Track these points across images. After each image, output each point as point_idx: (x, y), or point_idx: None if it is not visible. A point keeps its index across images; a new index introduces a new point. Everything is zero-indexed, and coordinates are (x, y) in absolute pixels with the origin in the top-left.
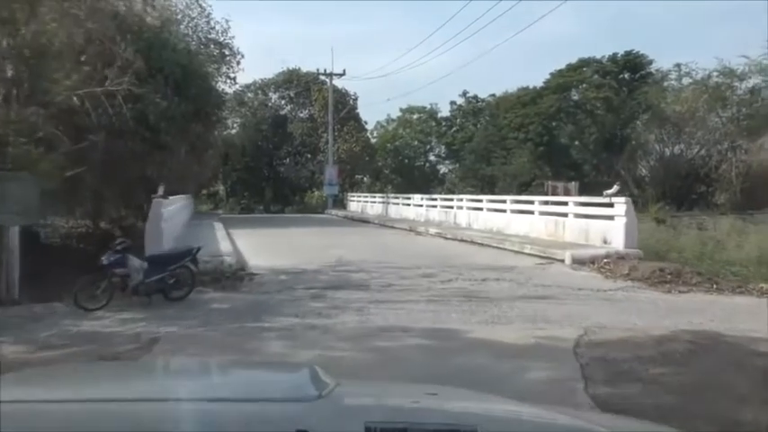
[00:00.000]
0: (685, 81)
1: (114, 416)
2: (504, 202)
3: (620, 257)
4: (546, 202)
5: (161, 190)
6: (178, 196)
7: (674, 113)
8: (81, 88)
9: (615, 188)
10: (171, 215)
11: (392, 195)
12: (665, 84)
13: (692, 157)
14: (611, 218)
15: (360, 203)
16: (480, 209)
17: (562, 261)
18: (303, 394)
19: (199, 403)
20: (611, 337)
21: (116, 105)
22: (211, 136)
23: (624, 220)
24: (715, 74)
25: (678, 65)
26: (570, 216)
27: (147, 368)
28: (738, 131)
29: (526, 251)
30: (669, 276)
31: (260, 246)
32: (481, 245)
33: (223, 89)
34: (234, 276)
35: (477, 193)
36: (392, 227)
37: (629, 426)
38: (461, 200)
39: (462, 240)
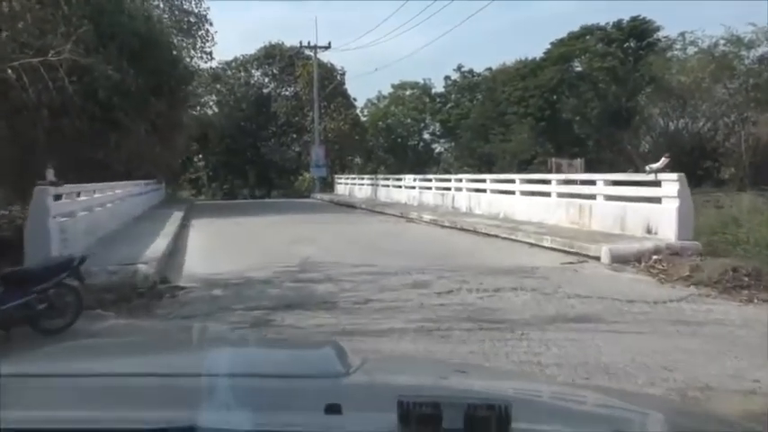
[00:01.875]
0: (690, 51)
1: (146, 389)
2: (512, 182)
3: (674, 253)
4: (567, 182)
5: (50, 174)
6: (120, 183)
7: (679, 85)
8: (16, 59)
9: (663, 161)
10: (88, 207)
11: (381, 177)
12: (669, 54)
13: (697, 130)
14: (656, 200)
15: (347, 186)
16: (483, 190)
17: (597, 259)
18: (332, 370)
19: (226, 378)
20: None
21: (59, 79)
22: (179, 114)
23: (677, 203)
24: (722, 42)
25: (683, 33)
26: (599, 198)
27: (178, 343)
28: (746, 103)
29: (545, 244)
30: (746, 279)
31: (216, 242)
32: (487, 235)
33: (198, 65)
34: (151, 293)
35: (475, 173)
36: (381, 212)
37: (665, 405)
38: (460, 180)
39: (463, 229)
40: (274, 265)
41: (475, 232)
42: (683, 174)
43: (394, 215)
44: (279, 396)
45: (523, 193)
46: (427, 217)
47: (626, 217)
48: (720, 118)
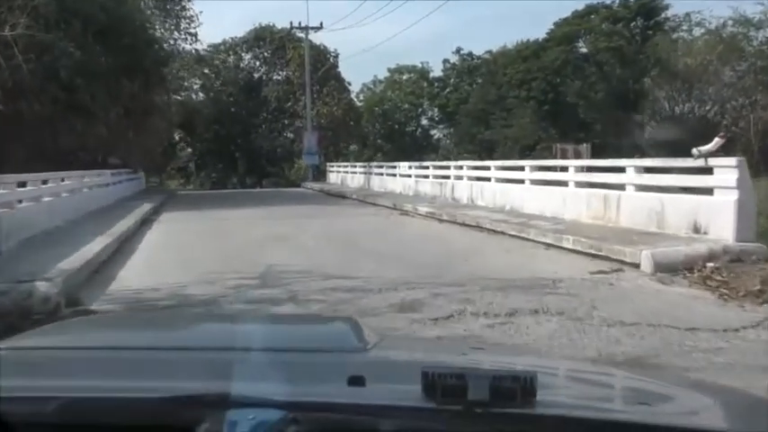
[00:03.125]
0: (697, 32)
1: (175, 362)
2: (521, 169)
3: (735, 259)
4: (589, 169)
5: None
6: (80, 172)
7: (685, 67)
8: None
9: (716, 142)
10: (7, 204)
11: (375, 164)
12: (675, 36)
13: (704, 114)
14: (706, 191)
15: (340, 174)
16: (487, 179)
17: (634, 266)
18: (354, 345)
19: (251, 352)
20: None
21: (14, 56)
22: (155, 97)
23: (735, 194)
24: (730, 23)
25: (688, 14)
26: (629, 189)
27: (201, 317)
28: (755, 85)
29: (566, 245)
30: None
31: (176, 242)
32: (492, 232)
33: (182, 47)
34: (52, 317)
35: (475, 160)
36: (373, 203)
37: (692, 383)
38: (461, 168)
39: (464, 224)
40: (231, 276)
41: (478, 228)
42: (743, 158)
43: (386, 207)
44: (301, 368)
45: (534, 182)
46: (423, 209)
47: (664, 211)
48: (728, 101)
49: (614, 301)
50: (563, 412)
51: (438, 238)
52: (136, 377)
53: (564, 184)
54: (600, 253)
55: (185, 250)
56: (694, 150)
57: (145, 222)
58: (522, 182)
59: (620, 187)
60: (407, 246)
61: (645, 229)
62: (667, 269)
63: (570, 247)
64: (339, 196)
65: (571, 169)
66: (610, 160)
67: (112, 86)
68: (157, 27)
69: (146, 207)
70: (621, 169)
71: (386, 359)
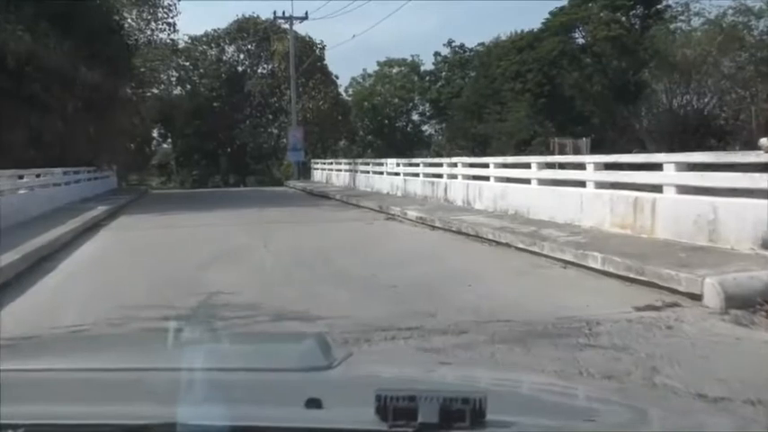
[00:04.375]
0: (695, 22)
1: (123, 384)
2: (526, 166)
3: None
4: (612, 166)
5: None
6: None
7: (684, 58)
8: None
9: None
10: None
11: (361, 161)
12: (673, 26)
13: (702, 107)
14: None
15: (325, 172)
16: (485, 178)
17: (694, 297)
18: (315, 364)
19: (207, 373)
20: None
21: None
22: (120, 89)
23: None
24: (730, 12)
25: (687, 3)
26: (669, 190)
27: (157, 338)
28: (756, 76)
29: (592, 264)
30: None
31: (111, 258)
32: (495, 244)
33: (160, 38)
34: None
35: (468, 156)
36: (356, 205)
37: (647, 399)
38: (455, 165)
39: (460, 233)
40: (149, 315)
41: (478, 238)
42: None
43: (371, 209)
44: (260, 390)
45: (542, 181)
46: (413, 213)
47: (718, 220)
48: (728, 93)
49: (680, 357)
50: None
51: (430, 252)
52: (79, 401)
53: (580, 184)
54: (641, 277)
55: (114, 271)
56: (763, 140)
57: (89, 230)
58: (527, 181)
59: (656, 188)
60: (391, 264)
61: (692, 243)
62: (742, 303)
63: (598, 267)
64: (321, 196)
65: (589, 167)
66: (643, 155)
67: (69, 76)
68: (128, 15)
69: (98, 211)
70: (656, 166)
71: (347, 378)
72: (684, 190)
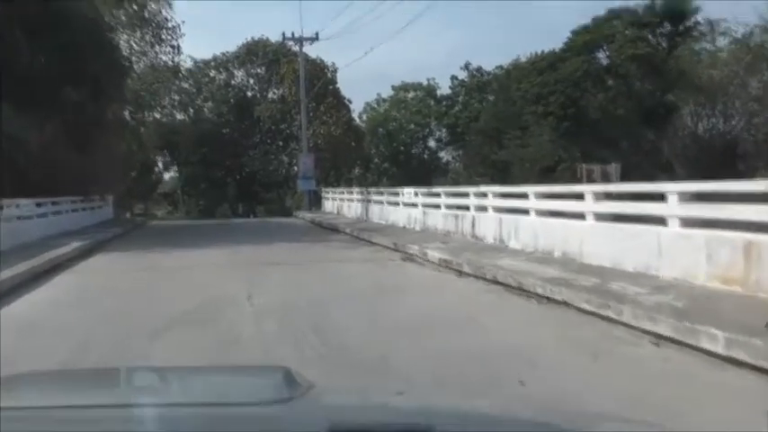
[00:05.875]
0: (721, 42)
1: (71, 421)
2: (578, 197)
3: None
4: (705, 196)
5: None
6: None
7: (710, 80)
8: None
9: None
10: None
11: (374, 190)
12: (698, 47)
13: (729, 129)
14: None
15: (336, 202)
16: (524, 211)
17: None
18: (272, 397)
19: (163, 408)
20: None
21: None
22: (113, 112)
23: None
24: (757, 31)
25: (711, 22)
26: None
27: (111, 375)
28: None
29: (708, 345)
30: None
31: (45, 321)
32: (547, 302)
33: (165, 61)
34: None
35: (487, 183)
36: (368, 241)
37: (599, 424)
38: (484, 195)
39: (497, 283)
40: None
41: (521, 291)
42: None
43: (385, 247)
44: (216, 424)
45: (600, 216)
46: (434, 254)
47: None
48: (757, 115)
49: None
50: None
51: (459, 312)
52: None
53: (659, 221)
54: None
55: (35, 339)
56: None
57: (45, 274)
58: (580, 216)
59: None
60: (408, 334)
61: None
62: None
63: (719, 351)
64: (330, 230)
65: (672, 198)
66: (749, 182)
67: (47, 93)
68: (130, 35)
69: (68, 248)
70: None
71: (303, 412)
72: None
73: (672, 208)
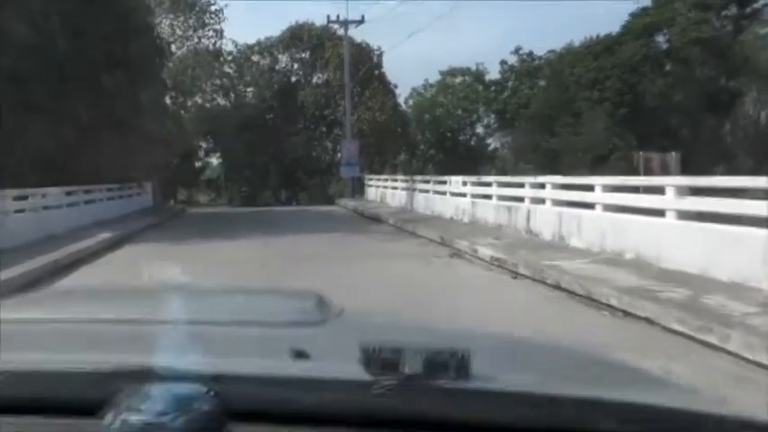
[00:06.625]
0: None
1: (100, 334)
2: (659, 191)
3: None
4: None
5: None
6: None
7: None
8: None
9: None
10: None
11: (420, 178)
12: (763, 31)
13: None
14: None
15: (379, 190)
16: (589, 205)
17: None
18: (308, 319)
19: (194, 326)
20: None
21: None
22: (152, 97)
23: None
24: None
25: None
26: None
27: (142, 291)
28: None
29: None
30: None
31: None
32: (624, 316)
33: (207, 45)
34: None
35: (536, 173)
36: (413, 233)
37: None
38: (541, 186)
39: (560, 288)
40: None
41: (590, 301)
42: None
43: (431, 240)
44: (245, 341)
45: (684, 215)
46: (485, 250)
47: None
48: None
49: None
50: (498, 387)
51: (516, 327)
52: (57, 351)
53: (756, 221)
54: None
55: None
56: None
57: (63, 269)
58: (659, 213)
59: None
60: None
61: None
62: None
63: None
64: (372, 219)
65: None
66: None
67: (82, 80)
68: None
69: (96, 240)
70: None
71: (338, 333)
72: None
73: None
